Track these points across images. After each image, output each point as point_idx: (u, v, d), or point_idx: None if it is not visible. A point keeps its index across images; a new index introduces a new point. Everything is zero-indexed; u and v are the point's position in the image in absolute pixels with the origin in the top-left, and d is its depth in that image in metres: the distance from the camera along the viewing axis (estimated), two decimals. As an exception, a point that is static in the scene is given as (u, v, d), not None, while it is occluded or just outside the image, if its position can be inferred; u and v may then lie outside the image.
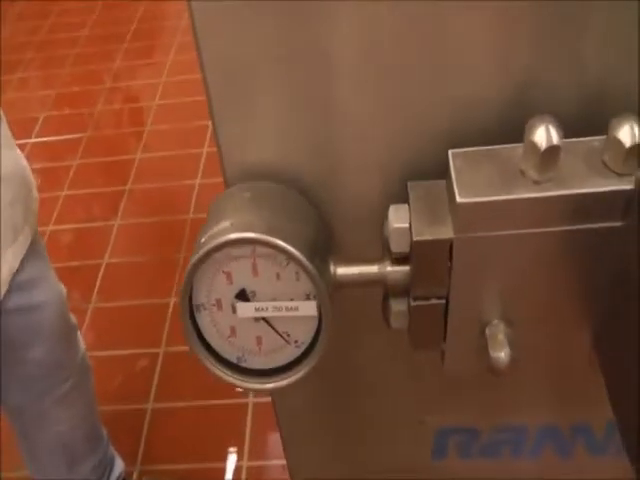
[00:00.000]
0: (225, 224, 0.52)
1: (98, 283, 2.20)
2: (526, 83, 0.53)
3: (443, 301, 0.55)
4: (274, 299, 0.54)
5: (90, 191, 2.53)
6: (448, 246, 0.52)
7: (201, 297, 0.54)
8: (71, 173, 2.58)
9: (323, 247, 0.55)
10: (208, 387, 1.87)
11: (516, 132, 0.51)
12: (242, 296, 0.54)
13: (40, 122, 2.75)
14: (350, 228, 0.60)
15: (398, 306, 0.58)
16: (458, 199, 0.49)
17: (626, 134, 0.47)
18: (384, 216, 0.56)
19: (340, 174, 0.57)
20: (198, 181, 2.45)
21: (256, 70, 0.53)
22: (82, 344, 1.37)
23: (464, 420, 0.77)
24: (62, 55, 3.18)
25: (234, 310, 0.55)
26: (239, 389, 0.59)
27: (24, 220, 1.08)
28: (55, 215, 2.40)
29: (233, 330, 0.56)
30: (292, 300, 0.54)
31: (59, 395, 1.27)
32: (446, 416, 0.77)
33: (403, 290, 0.57)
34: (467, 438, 0.79)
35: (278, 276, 0.53)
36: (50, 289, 1.20)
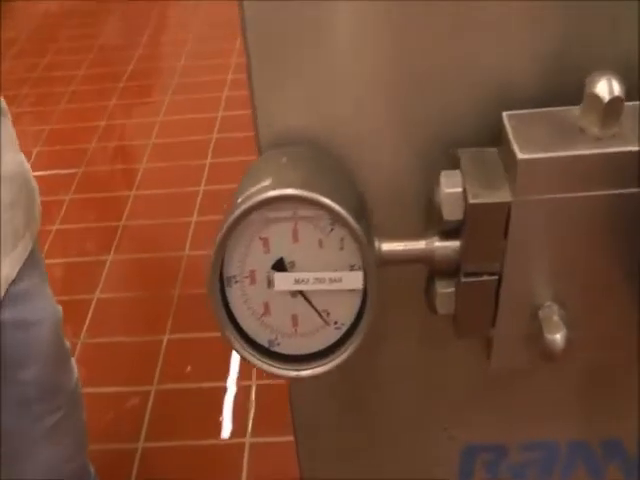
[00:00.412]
0: (264, 183, 0.47)
1: (88, 318, 2.13)
2: (563, 51, 0.50)
3: (496, 277, 0.50)
4: (315, 271, 0.49)
5: (83, 226, 2.47)
6: (505, 211, 0.47)
7: (233, 268, 0.49)
8: (64, 208, 2.53)
9: (366, 216, 0.50)
10: (202, 427, 1.80)
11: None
12: (280, 266, 0.48)
13: (33, 156, 2.71)
14: (387, 203, 0.55)
15: (445, 288, 0.53)
16: (519, 155, 0.45)
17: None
18: (424, 190, 0.52)
19: (377, 143, 0.53)
20: (194, 218, 2.40)
21: (294, 34, 0.50)
22: (76, 370, 1.30)
23: (492, 435, 0.72)
24: (58, 92, 3.16)
25: (269, 284, 0.49)
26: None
27: (25, 226, 1.02)
28: (46, 249, 2.34)
29: (267, 307, 0.50)
30: (336, 271, 0.49)
31: (51, 423, 1.19)
32: (473, 430, 0.71)
33: (451, 268, 0.52)
34: (495, 456, 0.73)
35: (320, 244, 0.48)
36: (47, 305, 1.13)
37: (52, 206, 2.53)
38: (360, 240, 0.46)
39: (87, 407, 1.86)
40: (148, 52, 3.46)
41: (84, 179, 2.67)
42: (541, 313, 0.51)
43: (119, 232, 2.43)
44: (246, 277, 0.49)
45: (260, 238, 0.48)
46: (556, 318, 0.51)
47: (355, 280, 0.48)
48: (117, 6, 3.95)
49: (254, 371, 1.92)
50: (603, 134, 0.46)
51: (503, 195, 0.47)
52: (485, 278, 0.50)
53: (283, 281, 0.48)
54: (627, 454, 0.72)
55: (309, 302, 0.50)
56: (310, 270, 0.49)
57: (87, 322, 2.12)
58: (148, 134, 2.86)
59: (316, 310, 0.50)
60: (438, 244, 0.51)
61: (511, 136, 0.47)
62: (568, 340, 0.50)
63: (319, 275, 0.48)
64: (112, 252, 2.35)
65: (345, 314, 0.50)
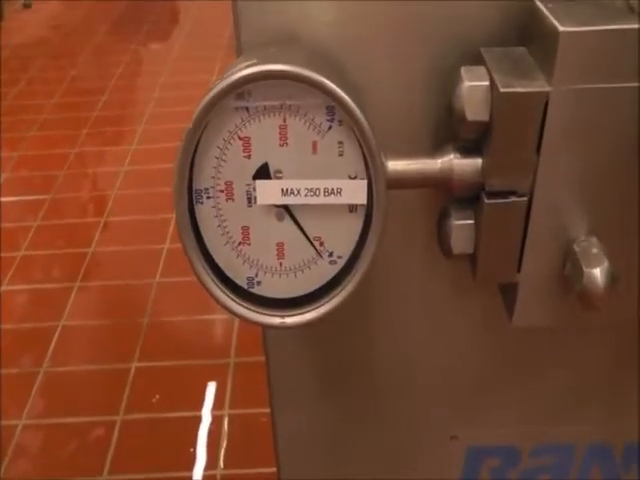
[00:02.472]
0: (248, 62, 0.37)
1: (52, 346, 2.01)
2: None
3: (525, 199, 0.41)
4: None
5: (49, 252, 2.36)
6: (542, 105, 0.38)
7: (204, 178, 0.39)
8: (30, 234, 2.42)
9: (370, 120, 0.41)
10: (170, 459, 1.68)
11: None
12: (263, 174, 0.39)
13: (1, 182, 2.61)
14: (392, 118, 0.46)
15: (463, 219, 0.43)
16: (560, 28, 0.36)
17: None
18: (436, 102, 0.43)
19: (378, 45, 0.44)
20: (166, 246, 2.30)
21: None
22: None
23: (501, 437, 0.62)
24: (28, 120, 3.07)
25: (250, 201, 0.40)
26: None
27: None
28: (10, 275, 2.23)
29: (246, 233, 0.41)
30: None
31: None
32: (480, 431, 0.61)
33: (472, 192, 0.43)
34: (504, 459, 0.64)
35: (314, 147, 0.39)
36: None
37: (18, 232, 2.42)
38: (367, 136, 0.37)
39: (49, 438, 1.74)
40: (122, 82, 3.40)
41: (53, 206, 2.57)
42: (577, 247, 0.42)
43: (87, 259, 2.32)
44: (221, 191, 0.40)
45: (239, 137, 0.38)
46: (596, 250, 0.42)
47: (358, 192, 0.39)
48: (92, 39, 3.90)
49: (227, 401, 1.80)
50: (659, 11, 0.38)
51: (539, 85, 0.38)
52: (513, 199, 0.41)
53: (267, 192, 0.39)
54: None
55: (299, 225, 0.40)
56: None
57: (50, 350, 2.00)
58: (121, 162, 2.77)
59: (306, 236, 0.40)
60: (456, 161, 0.42)
61: (548, 13, 0.38)
62: (611, 277, 0.40)
63: (313, 184, 0.39)
64: (79, 279, 2.24)
65: (342, 243, 0.41)
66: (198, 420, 1.77)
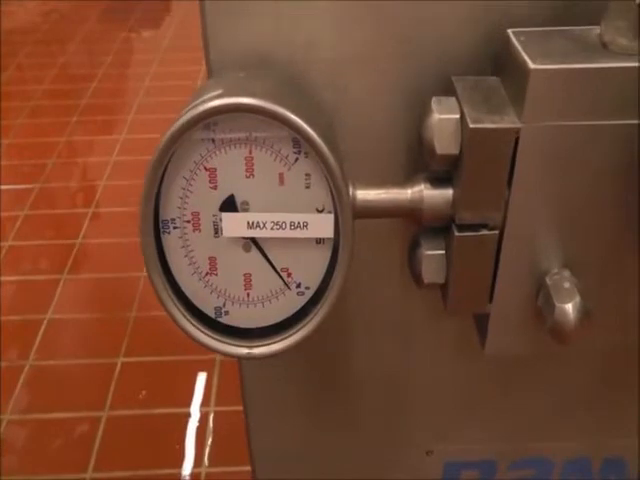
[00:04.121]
0: (214, 93, 0.36)
1: (38, 340, 1.99)
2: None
3: (496, 232, 0.40)
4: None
5: (37, 243, 2.35)
6: (512, 141, 0.37)
7: (171, 208, 0.38)
8: (17, 224, 2.40)
9: (338, 151, 0.40)
10: (155, 455, 1.68)
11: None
12: (230, 206, 0.38)
13: (-14, 171, 2.59)
14: (363, 146, 0.45)
15: (433, 249, 0.43)
16: (531, 65, 0.35)
17: None
18: (407, 130, 0.43)
19: (351, 73, 0.43)
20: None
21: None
22: None
23: (479, 451, 0.62)
24: (17, 107, 3.04)
25: (217, 231, 0.39)
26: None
27: None
28: (-5, 265, 2.22)
29: (213, 263, 0.40)
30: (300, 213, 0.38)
31: None
32: (458, 446, 0.61)
33: (442, 222, 0.42)
34: (482, 472, 0.63)
35: (281, 179, 0.38)
36: None
37: (6, 222, 2.40)
38: (333, 171, 0.36)
39: (33, 434, 1.73)
40: (111, 70, 3.37)
41: (41, 195, 2.55)
42: (549, 280, 0.42)
43: (75, 250, 2.30)
44: (188, 221, 0.39)
45: (205, 168, 0.38)
46: (568, 285, 0.41)
47: (325, 226, 0.38)
48: (83, 26, 3.86)
49: (213, 397, 1.80)
50: (633, 47, 0.37)
51: (510, 120, 0.37)
52: (483, 233, 0.41)
53: (233, 224, 0.38)
54: (627, 471, 0.63)
55: (264, 255, 0.39)
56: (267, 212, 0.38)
57: (37, 343, 1.98)
58: (109, 151, 2.75)
59: (273, 267, 0.40)
60: (427, 192, 0.41)
61: (520, 48, 0.37)
62: (582, 312, 0.40)
63: (279, 217, 0.38)
64: (66, 271, 2.22)
65: (310, 274, 0.40)
66: (184, 417, 1.77)
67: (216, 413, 1.77)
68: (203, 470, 1.65)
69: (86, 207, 2.50)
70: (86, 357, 1.96)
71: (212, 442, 1.70)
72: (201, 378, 1.85)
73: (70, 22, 3.92)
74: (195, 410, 1.78)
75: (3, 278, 2.19)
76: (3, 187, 2.55)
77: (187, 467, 1.66)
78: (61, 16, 4.02)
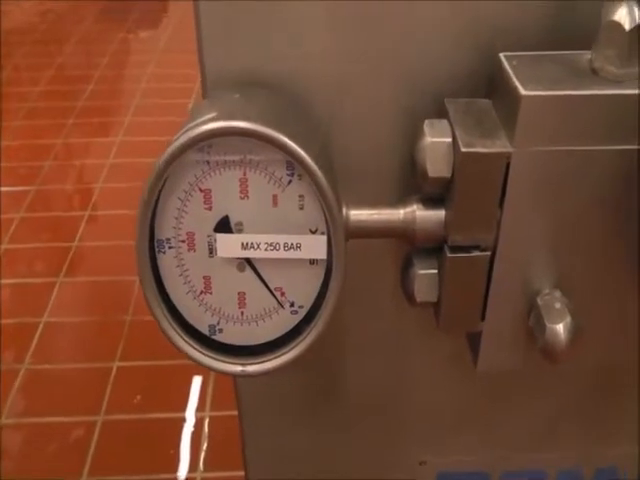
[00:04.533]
0: (208, 115, 0.37)
1: (34, 343, 2.00)
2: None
3: (488, 254, 0.41)
4: (267, 233, 0.39)
5: (33, 246, 2.35)
6: (503, 166, 0.38)
7: (166, 228, 0.39)
8: (13, 226, 2.40)
9: (333, 173, 0.40)
10: (150, 460, 1.68)
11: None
12: (224, 227, 0.38)
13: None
14: (357, 167, 0.45)
15: (426, 268, 0.43)
16: (522, 92, 0.36)
17: None
18: (400, 152, 0.43)
19: (346, 94, 0.44)
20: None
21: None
22: None
23: (472, 462, 0.62)
24: (14, 108, 3.04)
25: (211, 251, 0.39)
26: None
27: None
28: (-8, 269, 2.22)
29: (208, 283, 0.40)
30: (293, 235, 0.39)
31: None
32: (450, 457, 0.61)
33: (435, 243, 0.42)
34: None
35: (275, 201, 0.38)
36: None
37: (2, 225, 2.40)
38: (326, 194, 0.37)
39: (28, 439, 1.73)
40: (108, 72, 3.36)
41: (37, 197, 2.55)
42: (540, 301, 0.42)
43: (71, 253, 2.30)
44: (182, 241, 0.39)
45: (200, 189, 0.38)
46: (559, 305, 0.41)
47: (317, 247, 0.39)
48: (80, 27, 3.86)
49: (208, 402, 1.80)
50: (623, 74, 0.37)
51: (501, 145, 0.38)
52: (475, 254, 0.41)
53: (227, 245, 0.38)
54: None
55: (258, 275, 0.40)
56: (261, 234, 0.39)
57: (32, 347, 1.98)
58: (106, 154, 2.75)
59: (267, 286, 0.40)
60: (419, 213, 0.42)
61: (512, 73, 0.38)
62: (573, 332, 0.40)
63: (272, 239, 0.38)
64: (63, 274, 2.22)
65: (303, 293, 0.41)
66: (179, 421, 1.77)
67: (211, 418, 1.77)
68: (198, 475, 1.65)
69: (82, 210, 2.50)
70: (82, 361, 1.96)
71: (207, 447, 1.70)
72: (196, 383, 1.86)
73: (67, 22, 3.92)
74: (190, 415, 1.79)
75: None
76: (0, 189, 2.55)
77: (182, 472, 1.66)
78: (58, 16, 4.01)
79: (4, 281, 2.20)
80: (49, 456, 1.73)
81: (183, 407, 1.80)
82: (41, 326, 2.05)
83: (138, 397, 1.82)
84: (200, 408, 1.80)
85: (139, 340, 2.00)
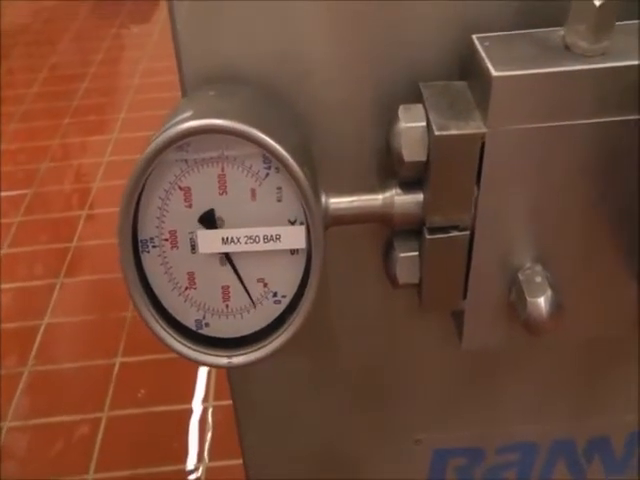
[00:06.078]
0: (185, 114, 0.38)
1: (36, 345, 2.00)
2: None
3: (467, 233, 0.42)
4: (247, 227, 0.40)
5: (32, 249, 2.35)
6: (478, 146, 0.39)
7: (149, 227, 0.40)
8: (12, 230, 2.41)
9: (311, 164, 0.41)
10: (155, 453, 1.69)
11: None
12: (207, 221, 0.39)
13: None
14: (336, 154, 0.46)
15: (407, 251, 0.44)
16: (493, 73, 0.36)
17: None
18: (378, 137, 0.44)
19: (322, 81, 0.44)
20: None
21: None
22: None
23: (467, 438, 0.63)
24: (9, 112, 3.04)
25: (193, 248, 0.40)
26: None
27: None
28: (-7, 273, 2.23)
29: (192, 278, 0.41)
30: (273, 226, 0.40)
31: None
32: (445, 434, 0.62)
33: (414, 226, 0.43)
34: (469, 460, 0.65)
35: (253, 194, 0.39)
36: None
37: (1, 230, 2.40)
38: (302, 185, 0.38)
39: (34, 439, 1.74)
40: (104, 69, 3.36)
41: (35, 200, 2.55)
42: (521, 275, 0.43)
43: (70, 253, 2.31)
44: (165, 239, 0.40)
45: (180, 188, 0.39)
46: (539, 279, 0.42)
47: (296, 237, 0.39)
48: (72, 24, 3.85)
49: (211, 393, 1.81)
50: (594, 49, 0.38)
51: (475, 126, 0.38)
52: (454, 234, 0.42)
53: (208, 241, 0.39)
54: (613, 451, 0.64)
55: (235, 270, 0.41)
56: (241, 227, 0.40)
57: (35, 349, 1.99)
58: (102, 152, 2.75)
59: (242, 282, 0.41)
60: (398, 198, 0.43)
61: (484, 54, 0.38)
62: (554, 305, 0.41)
63: (252, 232, 0.39)
64: (62, 275, 2.23)
65: (285, 283, 0.42)
66: (183, 413, 1.78)
67: (215, 408, 1.78)
68: (203, 465, 1.66)
69: (80, 209, 2.50)
70: (84, 359, 1.97)
71: (212, 437, 1.71)
72: (199, 374, 1.86)
73: (60, 20, 3.90)
74: (195, 406, 1.80)
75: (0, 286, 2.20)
76: (-1, 194, 2.56)
77: (187, 463, 1.67)
78: (50, 14, 3.99)
79: (5, 286, 2.20)
80: (56, 455, 1.75)
81: (187, 399, 1.81)
82: (43, 328, 2.05)
83: (141, 391, 1.83)
84: (204, 399, 1.81)
85: (140, 336, 2.00)
